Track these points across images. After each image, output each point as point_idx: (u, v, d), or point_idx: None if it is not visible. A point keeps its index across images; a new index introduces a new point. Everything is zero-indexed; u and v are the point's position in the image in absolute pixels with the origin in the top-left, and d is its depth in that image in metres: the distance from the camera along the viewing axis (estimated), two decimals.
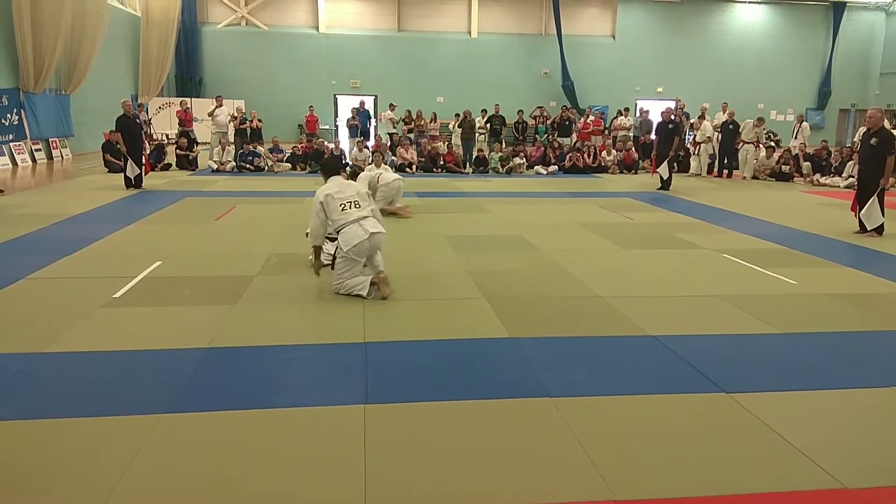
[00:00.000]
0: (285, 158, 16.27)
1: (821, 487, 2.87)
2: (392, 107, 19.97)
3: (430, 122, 18.94)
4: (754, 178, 16.14)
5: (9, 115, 15.64)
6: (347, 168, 9.18)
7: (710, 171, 16.66)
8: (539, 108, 21.31)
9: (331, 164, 6.01)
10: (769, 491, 2.84)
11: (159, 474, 2.88)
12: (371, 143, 18.31)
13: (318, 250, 5.69)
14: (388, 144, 16.81)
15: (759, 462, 3.07)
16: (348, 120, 20.69)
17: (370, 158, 15.54)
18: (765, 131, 16.52)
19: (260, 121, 17.85)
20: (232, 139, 16.88)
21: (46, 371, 3.96)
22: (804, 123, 17.91)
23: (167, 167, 15.56)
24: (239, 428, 3.30)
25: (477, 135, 18.62)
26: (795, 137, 17.63)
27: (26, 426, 3.28)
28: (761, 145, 16.91)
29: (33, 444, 3.11)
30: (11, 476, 2.85)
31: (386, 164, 10.63)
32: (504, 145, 18.01)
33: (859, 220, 8.89)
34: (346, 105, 23.97)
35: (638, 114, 21.14)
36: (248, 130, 17.44)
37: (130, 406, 3.49)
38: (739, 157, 16.42)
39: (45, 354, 4.19)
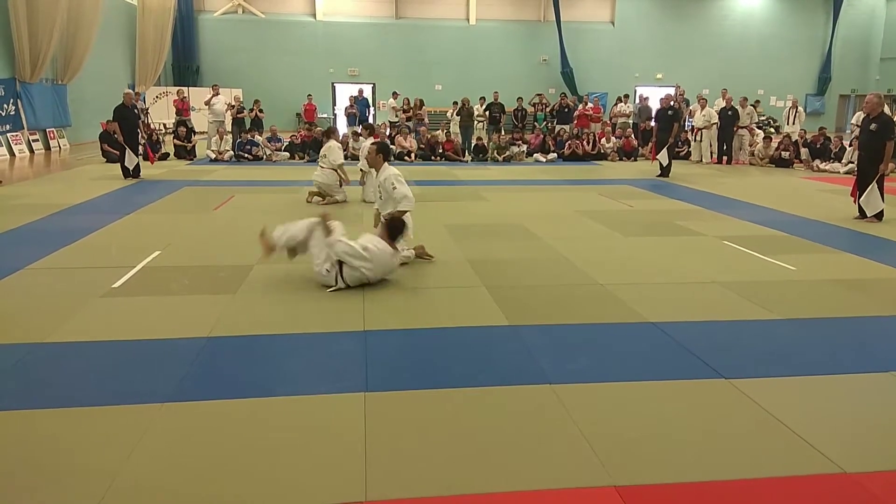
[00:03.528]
0: (283, 147, 16.23)
1: (821, 472, 2.88)
2: (395, 95, 19.90)
3: (416, 108, 18.80)
4: (751, 164, 16.16)
5: (5, 106, 15.58)
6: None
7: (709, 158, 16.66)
8: (538, 95, 21.25)
9: (395, 227, 5.60)
10: (769, 476, 2.85)
11: (160, 463, 2.88)
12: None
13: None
14: (388, 133, 16.77)
15: (758, 448, 3.07)
16: (346, 108, 20.65)
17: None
18: (748, 113, 16.46)
19: (261, 111, 17.76)
20: (229, 128, 16.83)
21: (46, 361, 3.96)
22: (799, 108, 17.88)
23: (165, 156, 15.52)
24: (239, 417, 3.30)
25: (476, 122, 18.57)
26: (792, 123, 17.62)
27: (27, 416, 3.28)
28: (755, 129, 16.89)
29: (34, 435, 3.11)
30: (12, 466, 2.85)
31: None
32: (503, 133, 17.98)
33: (859, 206, 8.88)
34: (345, 93, 23.90)
35: (637, 100, 21.08)
36: (247, 119, 17.37)
37: (130, 396, 3.48)
38: (734, 143, 16.40)
39: (45, 345, 4.18)
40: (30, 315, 4.73)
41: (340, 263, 5.32)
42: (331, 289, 5.35)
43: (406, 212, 6.03)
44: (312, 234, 5.47)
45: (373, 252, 5.37)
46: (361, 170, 10.01)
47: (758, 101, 18.67)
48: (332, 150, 10.05)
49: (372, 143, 6.52)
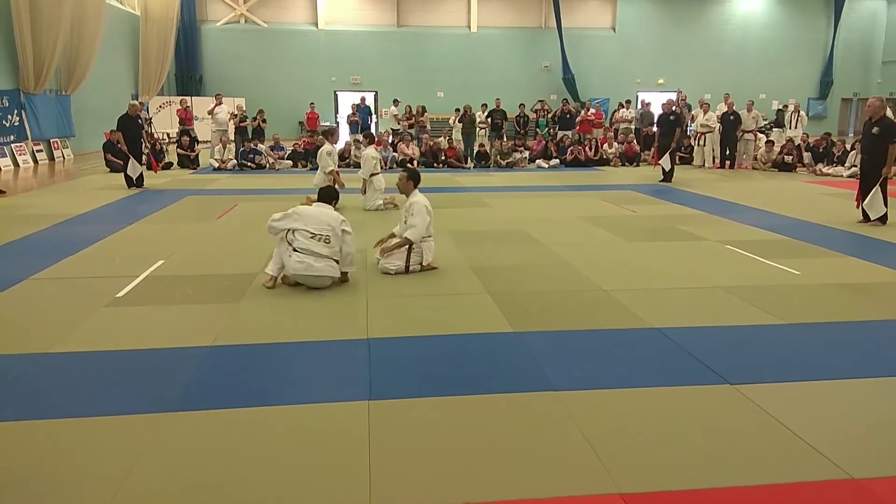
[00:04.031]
0: (286, 156, 16.27)
1: (827, 478, 2.87)
2: (396, 103, 19.93)
3: (419, 115, 18.82)
4: (754, 168, 16.15)
5: (10, 117, 15.64)
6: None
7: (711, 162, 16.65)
8: (540, 101, 21.28)
9: (325, 193, 6.07)
10: (775, 482, 2.83)
11: (164, 473, 2.88)
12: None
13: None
14: (390, 141, 16.82)
15: (764, 454, 3.06)
16: (349, 116, 20.72)
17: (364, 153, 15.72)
18: (753, 117, 16.46)
19: (264, 121, 17.81)
20: (232, 137, 16.88)
21: (51, 371, 3.97)
22: (801, 112, 17.90)
23: (168, 166, 15.57)
24: (243, 426, 3.29)
25: (478, 129, 18.59)
26: (794, 127, 17.62)
27: (31, 426, 3.29)
28: (758, 134, 16.90)
29: (38, 445, 3.11)
30: (17, 476, 2.85)
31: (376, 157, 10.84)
32: (505, 139, 18.01)
33: (862, 209, 8.86)
34: (347, 101, 23.97)
35: (639, 106, 21.09)
36: (250, 128, 17.43)
37: (134, 405, 3.49)
38: (739, 147, 16.41)
39: (49, 355, 4.19)
40: (34, 325, 4.74)
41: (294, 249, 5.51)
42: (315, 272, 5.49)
43: (410, 241, 6.11)
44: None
45: (296, 210, 5.69)
46: (364, 179, 10.03)
47: (786, 106, 18.73)
48: (322, 157, 10.08)
49: (402, 171, 6.61)
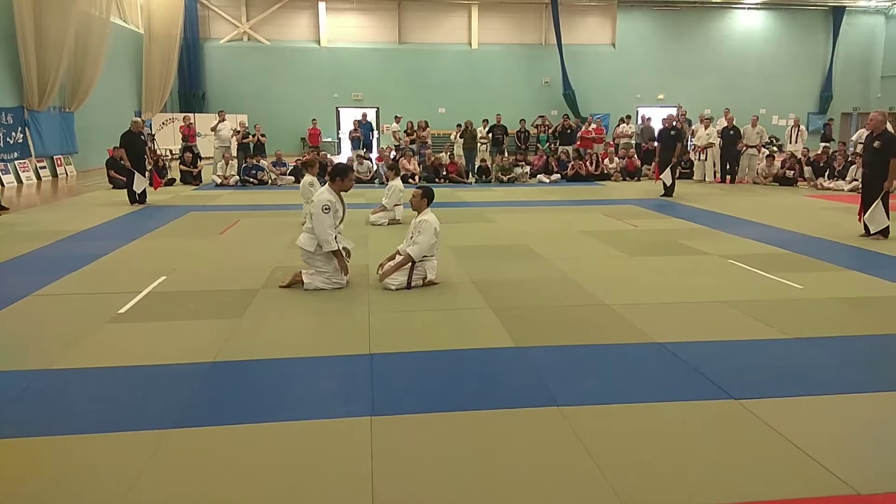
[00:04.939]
0: (288, 171, 16.33)
1: (834, 494, 2.84)
2: (397, 119, 20.02)
3: (420, 130, 18.93)
4: (755, 182, 16.18)
5: (13, 134, 15.74)
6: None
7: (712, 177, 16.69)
8: (541, 117, 21.38)
9: (337, 168, 6.38)
10: (781, 499, 2.81)
11: (165, 490, 2.87)
12: (374, 155, 18.43)
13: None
14: (392, 156, 16.89)
15: (770, 469, 3.04)
16: (351, 132, 20.84)
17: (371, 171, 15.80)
18: (758, 133, 16.52)
19: (263, 135, 17.91)
20: (235, 153, 16.96)
21: (52, 388, 3.96)
22: (801, 127, 17.98)
23: (171, 182, 15.63)
24: (245, 442, 3.28)
25: (479, 145, 18.66)
26: (795, 142, 17.68)
27: (32, 443, 3.27)
28: (762, 149, 16.97)
29: (39, 462, 3.10)
30: (18, 494, 2.84)
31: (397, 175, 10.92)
32: (506, 154, 18.07)
33: (864, 223, 8.86)
34: (349, 117, 24.11)
35: (640, 121, 21.19)
36: (251, 144, 17.52)
37: (136, 422, 3.48)
38: (741, 161, 16.47)
39: (51, 371, 4.18)
40: (36, 342, 4.73)
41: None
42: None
43: (411, 258, 6.13)
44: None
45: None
46: (385, 206, 10.07)
47: (831, 120, 18.71)
48: (304, 189, 9.86)
49: (417, 188, 6.61)
